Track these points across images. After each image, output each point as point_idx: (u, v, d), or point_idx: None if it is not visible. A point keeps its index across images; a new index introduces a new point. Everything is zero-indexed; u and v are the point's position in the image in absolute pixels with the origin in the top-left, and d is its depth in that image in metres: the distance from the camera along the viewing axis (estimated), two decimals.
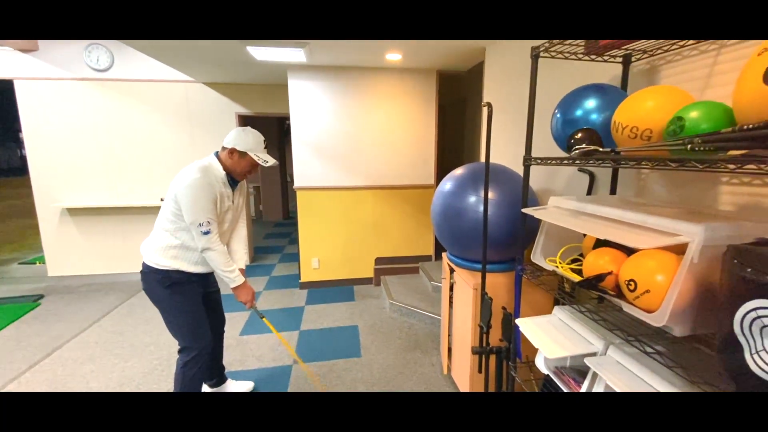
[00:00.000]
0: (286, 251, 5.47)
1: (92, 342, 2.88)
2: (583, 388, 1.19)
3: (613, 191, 1.45)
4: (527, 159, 1.39)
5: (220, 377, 2.20)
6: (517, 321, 1.42)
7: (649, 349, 0.90)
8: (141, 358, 2.63)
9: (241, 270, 1.89)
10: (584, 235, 1.32)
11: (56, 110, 4.02)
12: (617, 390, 0.99)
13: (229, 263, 1.77)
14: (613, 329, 1.05)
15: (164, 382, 2.35)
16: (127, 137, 4.18)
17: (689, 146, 0.82)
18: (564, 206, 1.30)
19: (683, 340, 0.94)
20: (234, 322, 3.20)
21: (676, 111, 0.92)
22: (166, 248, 1.71)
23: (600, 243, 1.18)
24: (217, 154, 1.79)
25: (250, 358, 2.65)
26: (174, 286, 1.73)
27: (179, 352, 1.82)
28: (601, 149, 1.10)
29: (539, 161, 1.33)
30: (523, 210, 1.38)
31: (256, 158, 1.77)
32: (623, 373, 1.06)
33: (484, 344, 1.79)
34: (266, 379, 2.38)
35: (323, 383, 2.33)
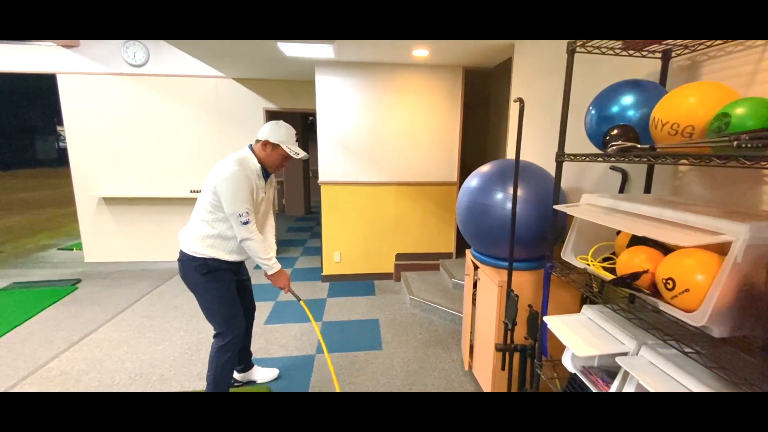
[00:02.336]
0: (308, 245, 5.56)
1: (126, 325, 3.02)
2: (613, 388, 1.18)
3: (647, 190, 1.42)
4: (560, 155, 1.37)
5: (247, 363, 2.28)
6: (545, 318, 1.42)
7: (687, 350, 0.89)
8: (172, 342, 2.75)
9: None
10: (617, 233, 1.30)
11: (95, 103, 4.22)
12: (651, 390, 0.98)
13: (267, 251, 1.83)
14: (648, 329, 1.03)
15: (194, 365, 2.45)
16: (161, 130, 4.34)
17: (735, 143, 0.80)
18: (598, 203, 1.29)
19: (719, 344, 0.92)
20: (259, 311, 3.27)
21: (721, 107, 0.90)
22: (204, 237, 1.78)
23: (634, 241, 1.17)
24: (251, 147, 1.85)
25: (274, 346, 2.73)
26: (210, 274, 1.80)
27: (214, 336, 1.89)
28: (639, 146, 1.09)
29: (573, 157, 1.31)
30: (556, 207, 1.37)
31: (288, 150, 1.83)
32: (656, 373, 1.05)
33: (509, 342, 1.79)
34: (290, 368, 2.45)
35: (339, 377, 2.37)
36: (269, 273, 1.88)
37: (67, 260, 4.88)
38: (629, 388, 1.13)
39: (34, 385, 2.25)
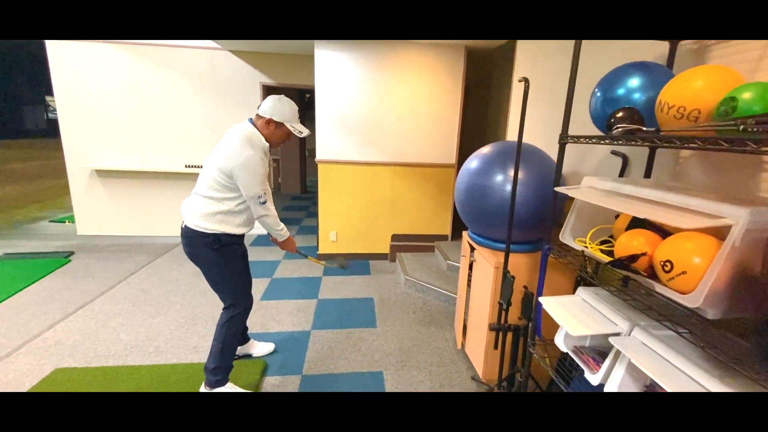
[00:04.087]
0: (303, 224, 5.56)
1: (121, 298, 3.02)
2: (603, 368, 1.21)
3: (647, 175, 1.42)
4: (563, 137, 1.36)
5: (244, 336, 2.31)
6: (541, 299, 1.44)
7: (681, 330, 0.91)
8: (167, 315, 2.76)
9: None
10: (616, 216, 1.31)
11: (87, 72, 4.09)
12: (642, 368, 1.01)
13: (279, 223, 1.92)
14: (642, 311, 1.05)
15: (190, 338, 2.47)
16: (155, 102, 4.24)
17: (741, 127, 0.80)
18: (599, 186, 1.29)
19: (710, 327, 0.94)
20: (256, 287, 3.26)
21: (728, 92, 0.89)
22: (213, 214, 1.77)
23: (633, 225, 1.18)
24: (252, 122, 1.81)
25: (270, 321, 2.75)
26: (223, 249, 1.81)
27: (225, 308, 1.91)
28: (644, 128, 1.08)
29: (576, 139, 1.31)
30: (556, 189, 1.37)
31: (292, 129, 1.81)
32: (648, 353, 1.07)
33: (503, 322, 1.82)
34: (286, 342, 2.48)
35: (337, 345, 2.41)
36: (281, 240, 1.97)
37: (59, 232, 4.83)
38: (620, 368, 1.16)
39: (28, 355, 2.26)
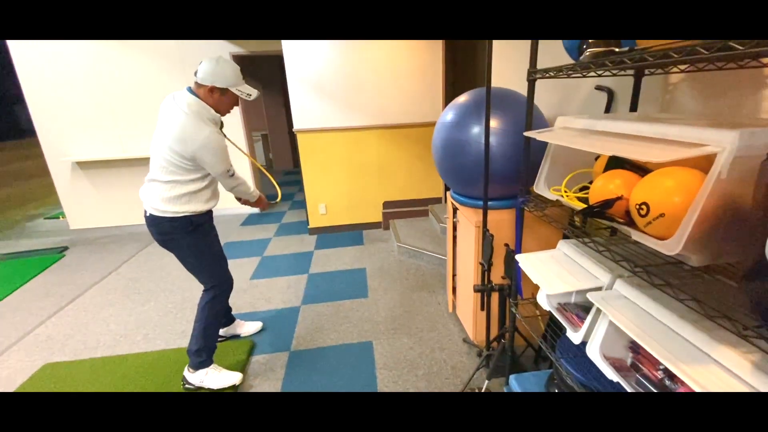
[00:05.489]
0: (296, 198, 5.45)
1: (111, 288, 3.00)
2: (585, 326, 1.11)
3: (633, 108, 1.25)
4: (532, 72, 1.19)
5: (228, 317, 2.26)
6: (517, 257, 1.32)
7: (657, 281, 0.79)
8: (157, 302, 2.73)
9: None
10: (596, 158, 1.16)
11: (52, 65, 3.89)
12: (621, 326, 0.90)
13: (249, 185, 1.88)
14: (619, 261, 0.93)
15: (178, 324, 2.44)
16: (124, 87, 4.04)
17: None
18: (573, 126, 1.13)
19: (703, 272, 0.82)
20: (246, 266, 3.26)
21: None
22: (178, 197, 1.65)
23: (612, 165, 1.03)
24: (192, 91, 1.63)
25: (260, 300, 2.71)
26: (196, 230, 1.73)
27: (205, 290, 1.85)
28: (617, 49, 0.91)
29: (545, 74, 1.13)
30: (525, 133, 1.22)
31: (239, 93, 1.64)
32: (629, 308, 0.96)
33: (486, 282, 1.72)
34: (275, 319, 2.44)
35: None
36: (252, 201, 1.96)
37: (53, 229, 4.82)
38: (602, 325, 1.05)
39: (21, 352, 2.26)
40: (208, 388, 1.83)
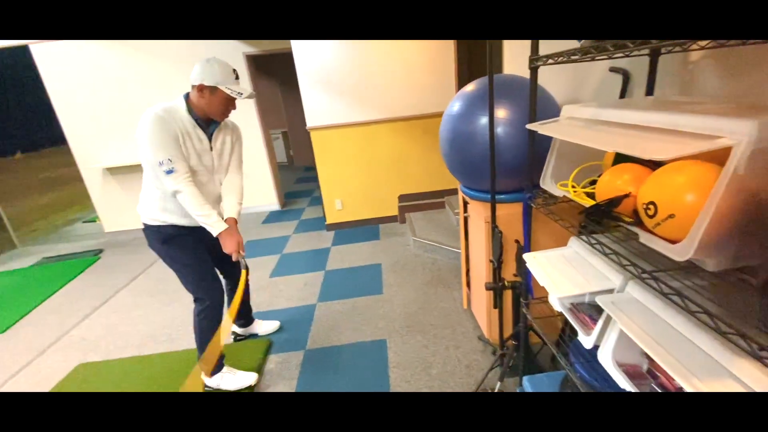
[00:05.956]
0: (315, 194, 5.49)
1: (140, 290, 3.14)
2: (596, 330, 1.04)
3: (650, 91, 1.14)
4: (534, 60, 1.11)
5: (247, 318, 2.31)
6: (525, 256, 1.26)
7: (666, 288, 0.72)
8: (181, 302, 2.83)
9: (232, 219, 1.75)
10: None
11: (76, 72, 4.06)
12: (631, 335, 0.83)
13: (203, 207, 1.59)
14: (629, 266, 0.85)
15: None
16: (144, 92, 4.17)
17: None
18: (579, 115, 1.05)
19: (722, 275, 0.74)
20: (265, 264, 3.32)
21: None
22: (154, 201, 1.67)
23: (621, 158, 0.94)
24: (186, 96, 1.64)
25: (279, 298, 2.76)
26: (170, 241, 1.70)
27: (193, 301, 1.84)
28: None
29: (547, 60, 1.05)
30: (528, 126, 1.14)
31: (228, 91, 1.58)
32: (641, 313, 0.89)
33: (497, 280, 1.66)
34: (292, 318, 2.47)
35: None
36: (213, 234, 1.63)
37: (90, 232, 5.09)
38: (614, 331, 0.98)
39: (57, 353, 2.41)
40: (226, 390, 1.88)
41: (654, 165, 0.86)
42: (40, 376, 2.21)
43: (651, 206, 0.73)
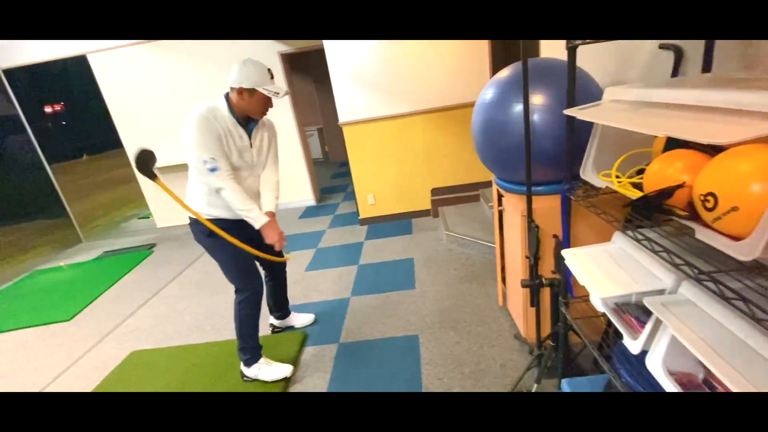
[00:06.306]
0: (349, 189, 5.53)
1: (187, 282, 3.33)
2: (644, 334, 0.95)
3: (707, 68, 1.01)
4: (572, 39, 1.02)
5: (284, 311, 2.38)
6: (563, 252, 1.17)
7: (728, 292, 0.63)
8: (225, 294, 2.97)
9: (270, 213, 1.82)
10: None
11: (128, 76, 4.36)
12: (686, 343, 0.74)
13: (246, 201, 1.68)
14: (683, 265, 0.76)
15: None
16: (187, 94, 4.39)
17: None
18: (624, 98, 0.95)
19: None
20: (300, 258, 3.40)
21: None
22: (199, 196, 1.76)
23: (673, 143, 0.84)
24: (227, 96, 1.71)
25: (313, 291, 2.81)
26: (214, 234, 1.76)
27: (235, 292, 1.93)
28: None
29: (587, 40, 0.96)
30: (566, 111, 1.05)
31: (265, 92, 1.65)
32: (697, 317, 0.80)
33: (534, 277, 1.57)
34: (326, 311, 2.51)
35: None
36: (255, 227, 1.73)
37: (145, 228, 5.47)
38: (665, 336, 0.89)
39: (114, 341, 2.62)
40: (263, 380, 1.95)
41: (713, 151, 0.76)
42: (100, 361, 2.41)
43: (710, 198, 0.64)
